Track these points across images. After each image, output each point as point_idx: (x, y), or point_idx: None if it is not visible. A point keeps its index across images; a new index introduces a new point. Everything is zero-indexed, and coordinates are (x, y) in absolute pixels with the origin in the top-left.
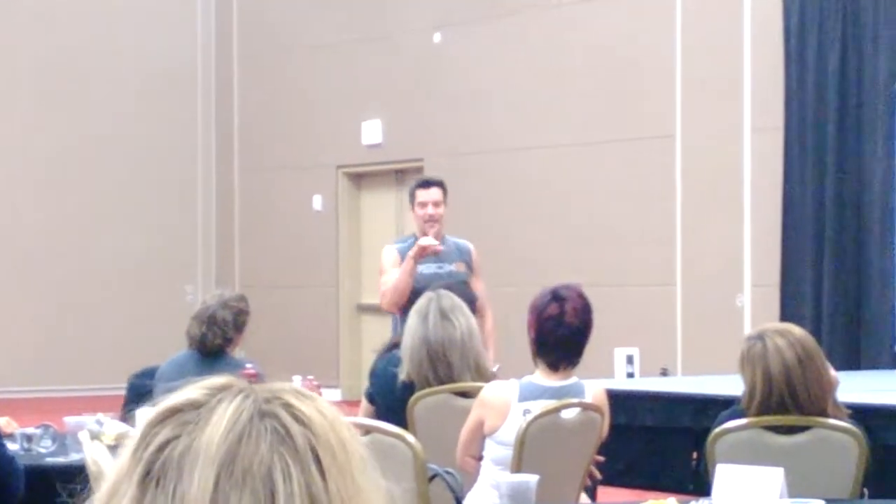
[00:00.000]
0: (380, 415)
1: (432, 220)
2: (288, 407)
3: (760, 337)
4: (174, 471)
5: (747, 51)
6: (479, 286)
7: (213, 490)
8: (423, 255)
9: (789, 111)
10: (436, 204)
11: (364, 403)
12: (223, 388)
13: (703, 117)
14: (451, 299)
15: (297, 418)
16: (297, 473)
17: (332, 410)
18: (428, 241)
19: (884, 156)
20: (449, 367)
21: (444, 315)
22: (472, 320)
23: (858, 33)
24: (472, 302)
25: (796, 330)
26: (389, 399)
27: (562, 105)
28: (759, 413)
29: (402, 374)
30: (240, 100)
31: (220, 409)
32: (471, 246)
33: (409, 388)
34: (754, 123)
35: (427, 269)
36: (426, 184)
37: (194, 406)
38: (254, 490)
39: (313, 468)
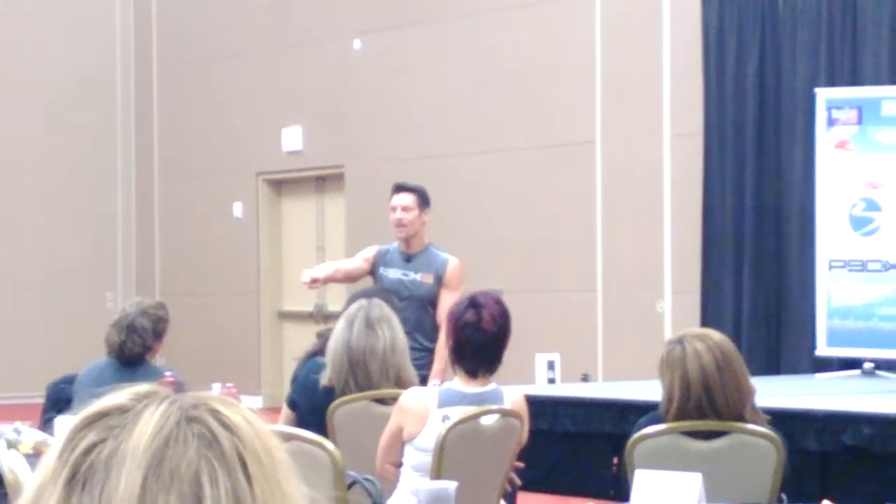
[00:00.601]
0: (301, 421)
1: (399, 224)
2: (215, 413)
3: (680, 341)
4: (101, 473)
5: (666, 57)
6: (445, 299)
7: (140, 491)
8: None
9: (709, 117)
10: (404, 209)
11: (285, 410)
12: (149, 395)
13: (623, 123)
14: (381, 309)
15: (224, 424)
16: (224, 478)
17: (258, 419)
18: (306, 277)
19: (803, 160)
20: (368, 376)
21: (369, 324)
22: (400, 334)
23: (777, 39)
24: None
25: (715, 335)
26: (311, 405)
27: (482, 111)
28: (678, 418)
29: (324, 380)
30: (159, 107)
31: (146, 413)
32: (451, 261)
33: (330, 393)
34: (674, 129)
35: (394, 273)
36: (399, 188)
37: (121, 410)
38: (181, 492)
39: (240, 473)
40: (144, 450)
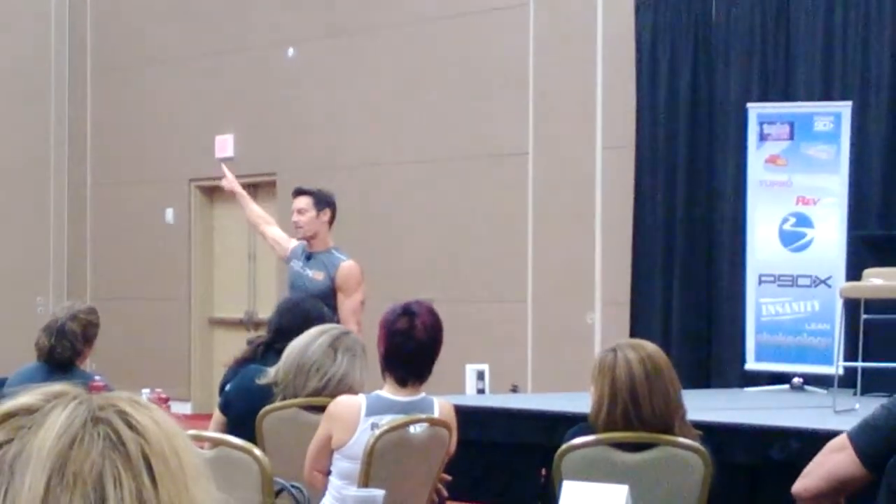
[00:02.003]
0: (234, 425)
1: (296, 226)
2: (122, 414)
3: (613, 349)
4: (6, 474)
5: (599, 69)
6: (343, 302)
7: (43, 493)
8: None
9: (641, 129)
10: (299, 211)
11: (217, 414)
12: (59, 395)
13: (556, 135)
14: (354, 342)
15: (131, 425)
16: (128, 479)
17: (169, 421)
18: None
19: (734, 174)
20: (304, 387)
21: (332, 344)
22: (355, 373)
23: (710, 53)
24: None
25: (650, 346)
26: (247, 408)
27: (415, 121)
28: (606, 427)
29: (266, 379)
30: (93, 111)
31: (53, 414)
32: (344, 263)
33: (267, 394)
34: (606, 141)
35: (296, 265)
36: (295, 192)
37: (28, 411)
38: (84, 494)
39: (145, 475)
40: (49, 451)
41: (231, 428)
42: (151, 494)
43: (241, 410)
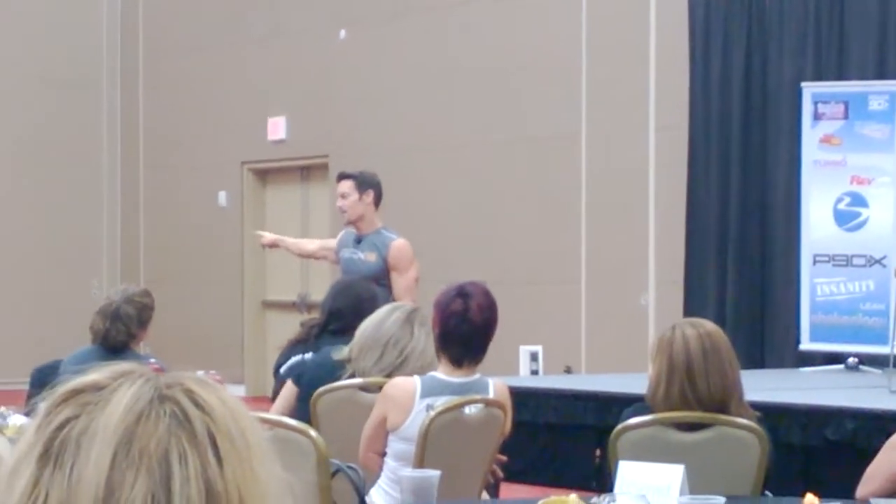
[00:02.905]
0: (303, 398)
1: (340, 210)
2: (188, 392)
3: (673, 327)
4: (72, 449)
5: (652, 50)
6: (397, 280)
7: (109, 469)
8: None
9: (694, 110)
10: (342, 196)
11: (289, 384)
12: (126, 373)
13: (609, 116)
14: (426, 318)
15: (197, 404)
16: (194, 457)
17: (235, 400)
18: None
19: (788, 154)
20: (380, 362)
21: (409, 319)
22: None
23: (763, 33)
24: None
25: (709, 325)
26: (318, 382)
27: (467, 103)
28: (663, 404)
29: (341, 354)
30: (145, 96)
31: (120, 391)
32: (395, 242)
33: (341, 368)
34: (659, 122)
35: (346, 252)
36: (338, 177)
37: (96, 388)
38: (150, 470)
39: (210, 453)
40: (115, 427)
41: (300, 400)
42: (216, 472)
43: (314, 383)
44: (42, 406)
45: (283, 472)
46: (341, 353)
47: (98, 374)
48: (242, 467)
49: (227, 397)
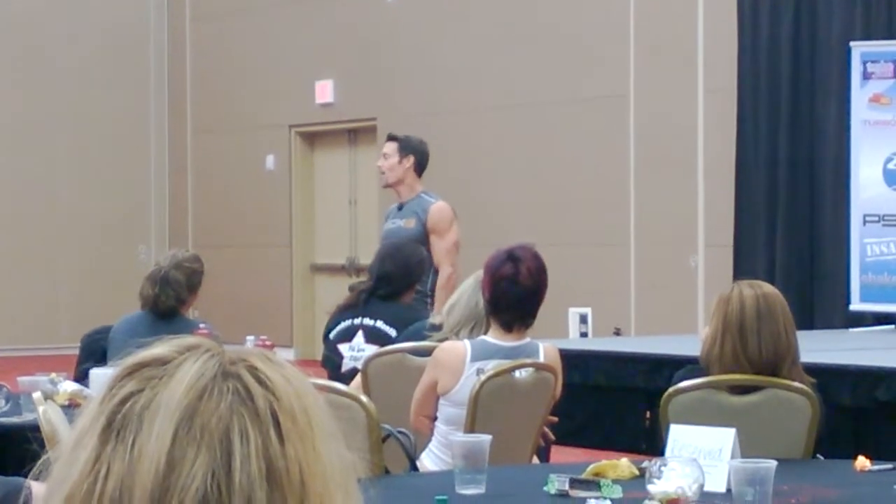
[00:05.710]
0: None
1: (380, 170)
2: (252, 369)
3: (732, 287)
4: (135, 423)
5: (700, 11)
6: (436, 244)
7: (170, 444)
8: None
9: (742, 72)
10: (384, 156)
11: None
12: (191, 348)
13: (657, 78)
14: None
15: (261, 381)
16: (255, 434)
17: (301, 378)
18: None
19: (837, 115)
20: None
21: None
22: None
23: None
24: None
25: (768, 287)
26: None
27: (514, 66)
28: (716, 364)
29: (438, 318)
30: (192, 60)
31: (185, 366)
32: (434, 206)
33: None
34: (708, 83)
35: (390, 224)
36: (387, 138)
37: (161, 362)
38: (210, 446)
39: (272, 431)
40: (178, 402)
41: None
42: (278, 450)
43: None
44: (92, 385)
45: (348, 452)
46: (437, 334)
47: (163, 347)
48: (304, 446)
49: (291, 374)
